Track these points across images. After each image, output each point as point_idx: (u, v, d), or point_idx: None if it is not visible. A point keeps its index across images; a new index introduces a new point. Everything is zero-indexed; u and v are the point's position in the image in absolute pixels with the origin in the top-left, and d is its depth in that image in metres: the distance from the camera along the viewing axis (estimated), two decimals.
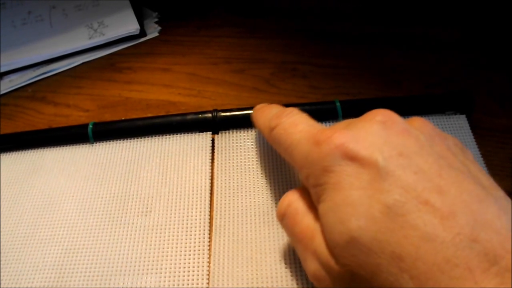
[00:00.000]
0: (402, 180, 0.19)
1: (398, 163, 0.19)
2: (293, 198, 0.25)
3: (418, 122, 0.23)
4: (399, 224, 0.18)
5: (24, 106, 0.44)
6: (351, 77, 0.42)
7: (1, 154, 0.38)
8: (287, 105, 0.36)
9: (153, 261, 0.30)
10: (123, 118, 0.39)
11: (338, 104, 0.36)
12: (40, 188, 0.35)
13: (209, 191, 0.33)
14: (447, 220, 0.17)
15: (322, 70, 0.44)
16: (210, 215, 0.32)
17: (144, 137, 0.36)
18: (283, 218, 0.25)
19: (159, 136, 0.36)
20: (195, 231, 0.31)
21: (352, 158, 0.20)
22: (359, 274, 0.19)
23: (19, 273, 0.31)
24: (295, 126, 0.25)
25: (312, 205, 0.23)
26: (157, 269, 0.29)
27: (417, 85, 0.40)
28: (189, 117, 0.36)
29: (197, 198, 0.33)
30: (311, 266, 0.22)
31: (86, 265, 0.30)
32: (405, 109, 0.36)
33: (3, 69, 0.47)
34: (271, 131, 0.27)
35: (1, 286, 0.30)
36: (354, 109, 0.36)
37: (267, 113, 0.29)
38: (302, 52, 0.46)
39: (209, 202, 0.32)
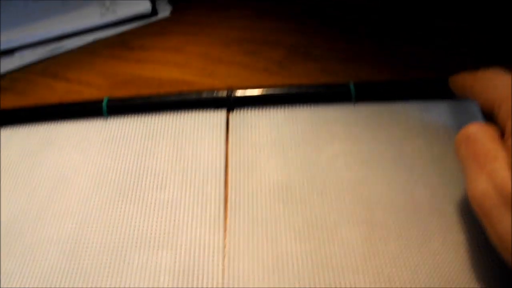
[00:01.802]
0: None
1: None
2: (481, 128, 0.25)
3: None
4: None
5: (36, 82, 0.44)
6: (363, 63, 0.42)
7: (14, 128, 0.38)
8: (299, 86, 0.37)
9: (168, 236, 0.30)
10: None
11: (352, 86, 0.36)
12: (54, 162, 0.35)
13: (224, 168, 0.33)
14: None
15: (334, 55, 0.44)
16: (225, 192, 0.32)
17: (159, 113, 0.37)
18: (465, 140, 0.26)
19: (174, 112, 0.36)
20: (210, 207, 0.31)
21: None
22: None
23: (34, 245, 0.31)
24: (503, 73, 0.27)
25: (499, 138, 0.25)
26: (172, 244, 0.30)
27: (429, 74, 0.40)
28: (204, 95, 0.36)
29: (212, 175, 0.33)
30: (482, 185, 0.23)
31: (101, 239, 0.30)
32: (418, 93, 0.36)
33: (14, 45, 0.47)
34: (476, 80, 0.29)
35: (16, 257, 0.30)
36: (368, 91, 0.36)
37: (468, 74, 0.31)
38: (313, 36, 0.46)
39: (224, 179, 0.32)
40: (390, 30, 0.45)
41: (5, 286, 0.29)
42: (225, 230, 0.30)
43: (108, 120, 0.37)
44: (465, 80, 0.31)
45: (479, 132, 0.25)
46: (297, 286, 0.27)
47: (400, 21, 0.46)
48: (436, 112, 0.35)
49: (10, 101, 0.42)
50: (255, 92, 0.36)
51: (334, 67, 0.42)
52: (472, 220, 0.29)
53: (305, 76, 0.41)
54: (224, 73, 0.42)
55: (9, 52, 0.47)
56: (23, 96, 0.43)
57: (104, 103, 0.37)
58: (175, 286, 0.28)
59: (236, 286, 0.27)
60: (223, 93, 0.36)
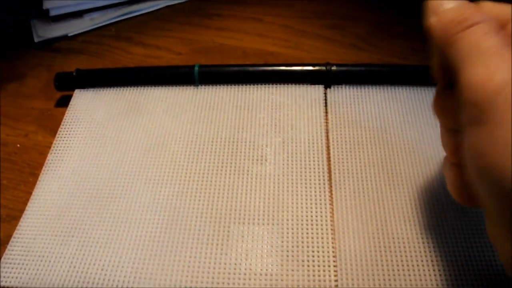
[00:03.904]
0: None
1: None
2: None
3: None
4: None
5: (110, 45, 0.42)
6: None
7: (98, 90, 0.36)
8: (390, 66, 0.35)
9: (273, 211, 0.29)
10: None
11: None
12: (144, 127, 0.33)
13: (326, 145, 0.32)
14: None
15: (420, 34, 0.42)
16: (328, 169, 0.30)
17: (253, 84, 0.35)
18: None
19: (268, 84, 0.35)
20: (314, 183, 0.30)
21: None
22: None
23: (129, 211, 0.29)
24: None
25: None
26: (277, 219, 0.28)
27: None
28: (301, 68, 0.35)
29: (313, 150, 0.31)
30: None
31: (201, 210, 0.29)
32: None
33: (83, 7, 0.45)
34: None
35: (109, 222, 0.29)
36: None
37: None
38: (396, 13, 0.44)
39: (326, 156, 0.31)
40: None
41: (96, 252, 0.28)
42: (332, 208, 0.29)
43: (199, 87, 0.35)
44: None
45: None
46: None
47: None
48: None
49: (85, 64, 0.40)
50: (354, 68, 0.35)
51: (423, 46, 0.40)
52: None
53: (395, 53, 0.40)
54: (310, 46, 0.41)
55: (78, 14, 0.46)
56: (98, 58, 0.41)
57: (196, 71, 0.35)
58: (284, 263, 0.26)
59: (349, 265, 0.26)
60: (322, 68, 0.34)
